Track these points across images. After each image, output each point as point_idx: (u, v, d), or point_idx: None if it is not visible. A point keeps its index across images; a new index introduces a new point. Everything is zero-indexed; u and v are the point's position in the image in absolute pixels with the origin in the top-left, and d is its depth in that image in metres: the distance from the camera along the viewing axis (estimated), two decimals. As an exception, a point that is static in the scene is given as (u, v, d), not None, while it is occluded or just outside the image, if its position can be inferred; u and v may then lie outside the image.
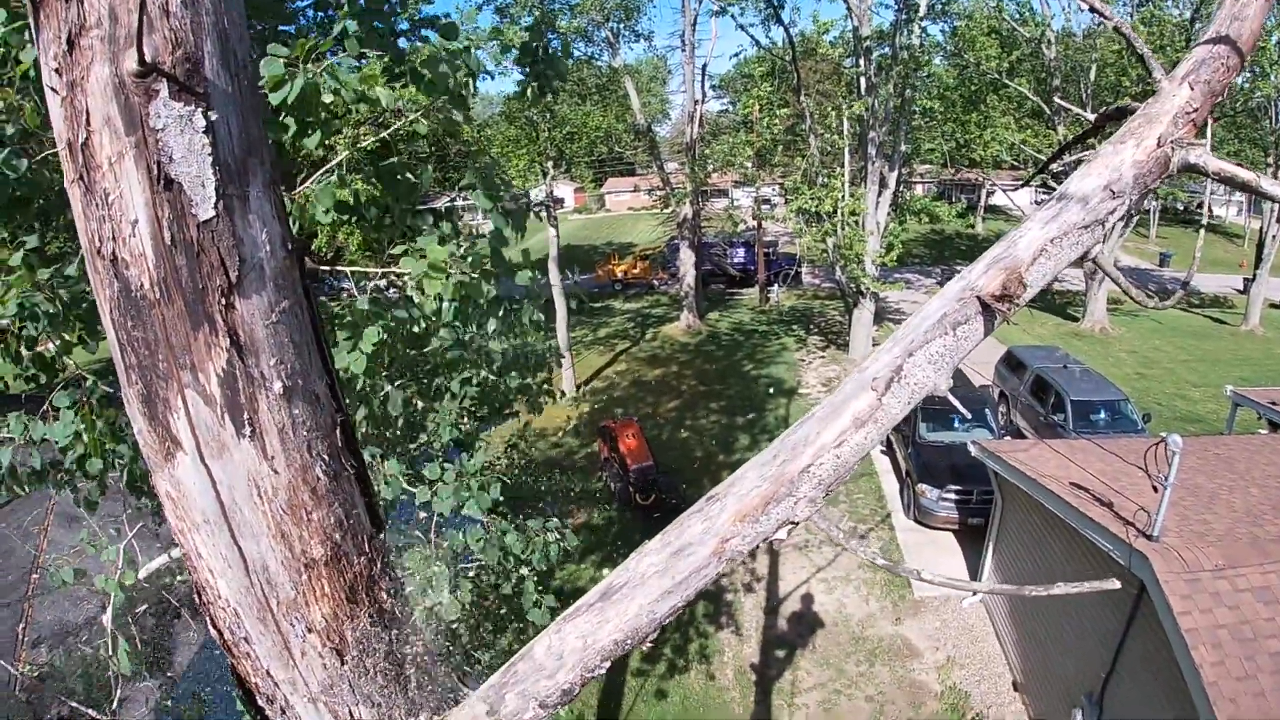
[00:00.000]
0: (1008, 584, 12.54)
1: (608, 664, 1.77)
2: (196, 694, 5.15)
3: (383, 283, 5.97)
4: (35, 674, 6.55)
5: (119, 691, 4.40)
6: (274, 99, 3.23)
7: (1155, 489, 7.83)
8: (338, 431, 1.65)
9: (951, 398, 1.97)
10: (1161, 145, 1.86)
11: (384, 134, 4.97)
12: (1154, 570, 7.38)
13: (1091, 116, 2.35)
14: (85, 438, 3.99)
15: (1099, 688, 9.05)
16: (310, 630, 1.62)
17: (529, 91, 4.64)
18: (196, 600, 1.69)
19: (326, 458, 1.60)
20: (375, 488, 4.76)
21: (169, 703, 6.53)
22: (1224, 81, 1.87)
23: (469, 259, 4.06)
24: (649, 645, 1.76)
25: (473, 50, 4.10)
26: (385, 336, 3.93)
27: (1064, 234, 1.86)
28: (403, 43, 4.64)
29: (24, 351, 3.90)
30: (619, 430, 18.67)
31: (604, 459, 19.46)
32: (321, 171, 4.12)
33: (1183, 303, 34.83)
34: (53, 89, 1.33)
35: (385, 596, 1.75)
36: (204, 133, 1.34)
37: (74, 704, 5.27)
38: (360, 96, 3.74)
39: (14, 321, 3.71)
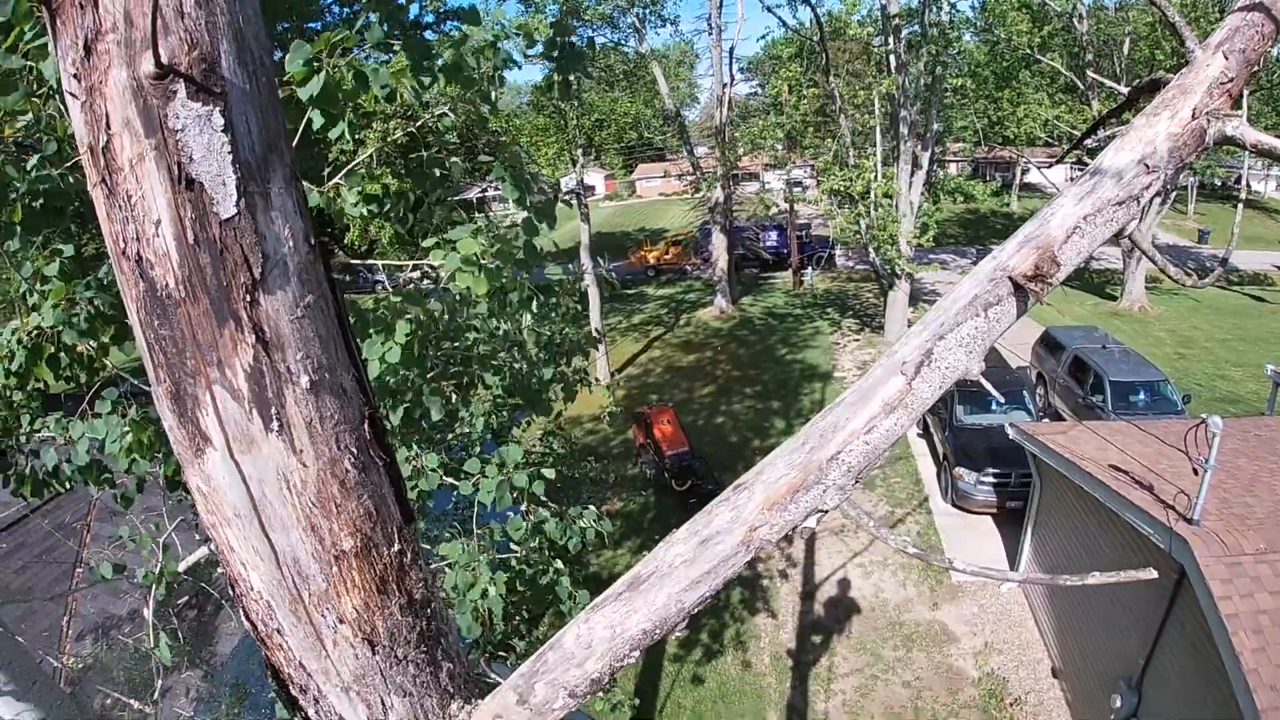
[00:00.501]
0: (1047, 569, 12.48)
1: (637, 653, 1.77)
2: (238, 683, 5.25)
3: (415, 274, 6.02)
4: (79, 666, 6.72)
5: (160, 682, 4.49)
6: (301, 94, 3.26)
7: (1195, 472, 7.71)
8: (366, 425, 1.66)
9: (984, 381, 1.94)
10: (1197, 117, 1.80)
11: (411, 127, 5.01)
12: (1194, 554, 7.29)
13: (1125, 90, 2.29)
14: (132, 439, 4.07)
15: (1138, 673, 8.94)
16: (342, 621, 1.64)
17: (554, 86, 4.64)
18: (230, 593, 1.72)
19: (355, 451, 1.61)
20: (414, 480, 4.83)
21: (210, 693, 6.66)
22: (1259, 50, 1.81)
23: (498, 249, 4.08)
24: (679, 634, 1.76)
25: (499, 43, 4.11)
26: (417, 329, 3.95)
27: (1098, 210, 1.81)
28: (430, 35, 4.65)
29: (63, 357, 3.98)
30: (654, 416, 18.72)
31: (639, 445, 19.53)
32: (351, 165, 4.15)
33: (1222, 281, 34.08)
34: (72, 94, 1.34)
35: (416, 586, 1.76)
36: (223, 131, 1.35)
37: (117, 695, 5.40)
38: (390, 91, 3.77)
39: (52, 330, 3.79)
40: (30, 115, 3.11)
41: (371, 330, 3.97)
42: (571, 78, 4.54)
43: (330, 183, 3.79)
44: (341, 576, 1.62)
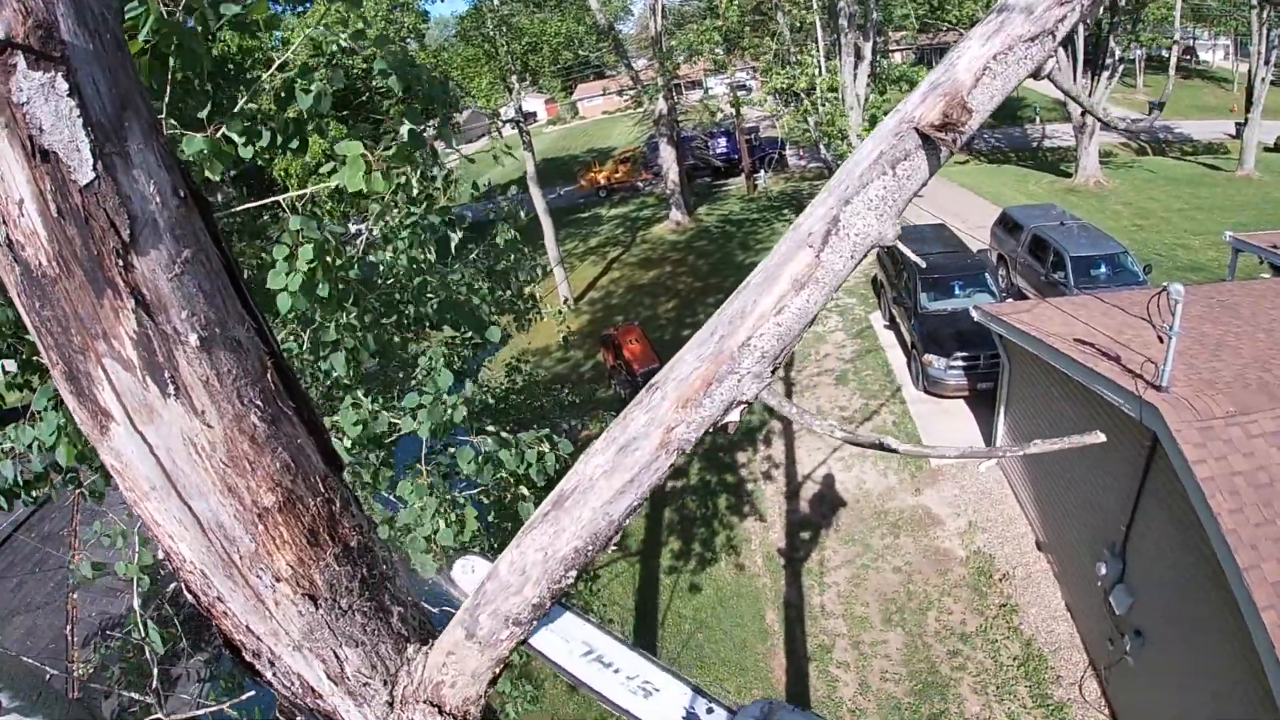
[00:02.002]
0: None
1: (574, 573, 1.77)
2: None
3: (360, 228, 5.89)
4: (89, 671, 6.74)
5: (156, 670, 4.51)
6: (140, 37, 3.09)
7: (1161, 339, 7.78)
8: (270, 375, 1.62)
9: (902, 245, 1.83)
10: None
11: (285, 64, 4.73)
12: (1165, 420, 7.39)
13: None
14: (66, 429, 4.00)
15: (1120, 540, 9.20)
16: (279, 579, 1.63)
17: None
18: (170, 567, 1.71)
19: (261, 404, 1.58)
20: (363, 425, 4.78)
21: (213, 673, 6.72)
22: None
23: (390, 151, 3.97)
24: (612, 549, 1.75)
25: None
26: (320, 255, 3.84)
27: (1008, 48, 1.69)
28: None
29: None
30: (621, 336, 18.76)
31: (610, 367, 19.62)
32: (242, 103, 4.02)
33: (1175, 151, 34.18)
34: (-90, 88, 1.27)
35: (351, 534, 1.75)
36: (69, 96, 1.28)
37: (121, 691, 5.43)
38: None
39: None
40: None
41: (275, 259, 3.86)
42: None
43: (211, 127, 3.64)
44: (269, 534, 1.60)
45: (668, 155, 31.86)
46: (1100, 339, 9.50)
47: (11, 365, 4.25)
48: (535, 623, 1.82)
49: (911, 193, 1.74)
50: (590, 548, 1.74)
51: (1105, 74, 28.51)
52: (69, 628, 8.65)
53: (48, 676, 5.50)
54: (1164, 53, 43.73)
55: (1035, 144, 38.70)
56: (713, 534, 14.29)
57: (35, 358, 4.27)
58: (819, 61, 24.14)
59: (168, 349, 1.44)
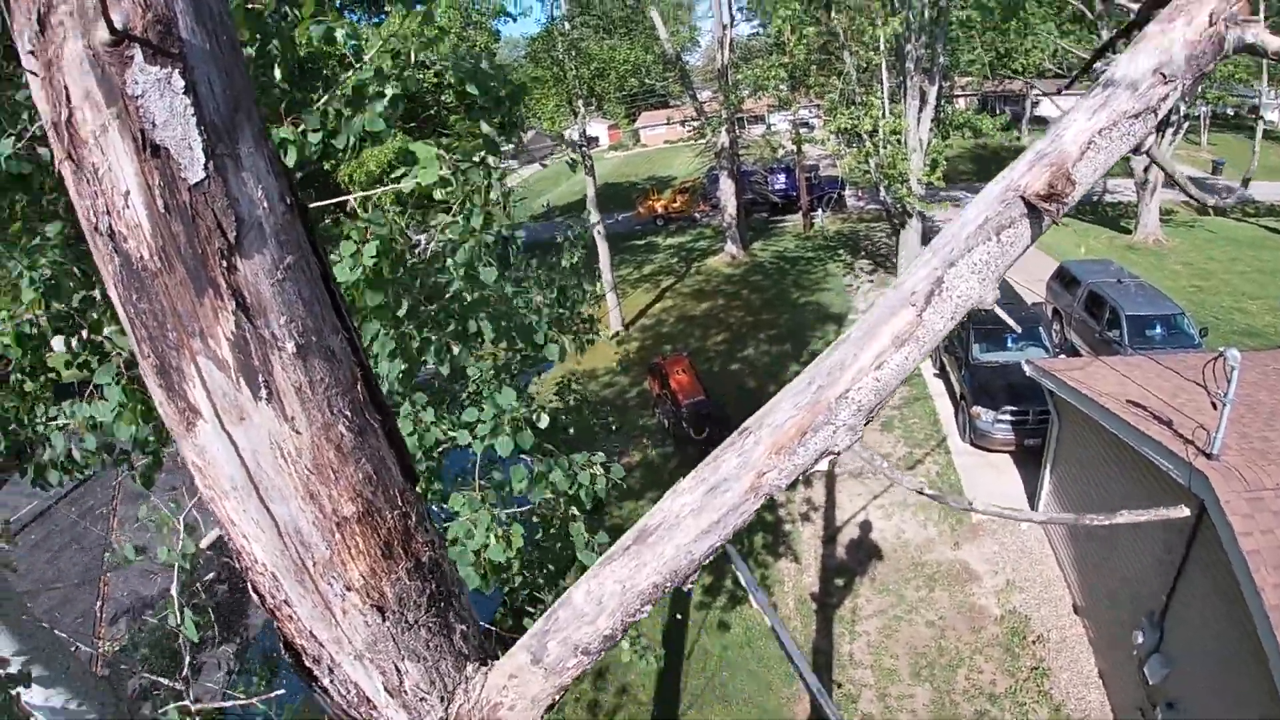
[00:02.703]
0: (1066, 507, 12.45)
1: (649, 607, 1.74)
2: (267, 655, 5.32)
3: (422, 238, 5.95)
4: (115, 649, 6.83)
5: (188, 659, 4.54)
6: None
7: (1214, 405, 7.62)
8: (359, 386, 1.62)
9: (1000, 311, 1.85)
10: (1214, 23, 1.69)
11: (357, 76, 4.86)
12: (1214, 489, 7.20)
13: (1135, 6, 2.17)
14: (127, 408, 4.06)
15: (1160, 610, 8.94)
16: (349, 588, 1.62)
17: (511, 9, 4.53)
18: (238, 565, 1.70)
19: (349, 414, 1.58)
20: (417, 436, 4.81)
21: (242, 666, 6.78)
22: None
23: (459, 154, 4.02)
24: (689, 586, 1.72)
25: None
26: (386, 251, 3.88)
27: (1113, 124, 1.71)
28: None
29: (50, 341, 3.97)
30: (669, 366, 18.73)
31: (656, 395, 19.58)
32: (321, 102, 4.11)
33: (1237, 212, 33.45)
34: (32, 72, 1.30)
35: (423, 549, 1.73)
36: (184, 93, 1.29)
37: (150, 676, 5.47)
38: (326, 30, 3.73)
39: (38, 308, 3.78)
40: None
41: (338, 254, 3.91)
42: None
43: (288, 119, 3.72)
44: (345, 543, 1.59)
45: (727, 188, 31.97)
46: (1153, 401, 9.30)
47: (59, 344, 4.32)
48: (603, 653, 1.78)
49: (1013, 259, 1.77)
50: (669, 583, 1.72)
51: (1170, 130, 28.03)
52: (99, 604, 8.78)
53: (74, 649, 5.57)
54: (1229, 110, 42.98)
55: (1096, 198, 38.18)
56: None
57: (94, 338, 4.34)
58: (883, 103, 24.06)
59: (264, 353, 1.43)
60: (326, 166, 4.44)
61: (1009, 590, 12.74)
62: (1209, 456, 7.59)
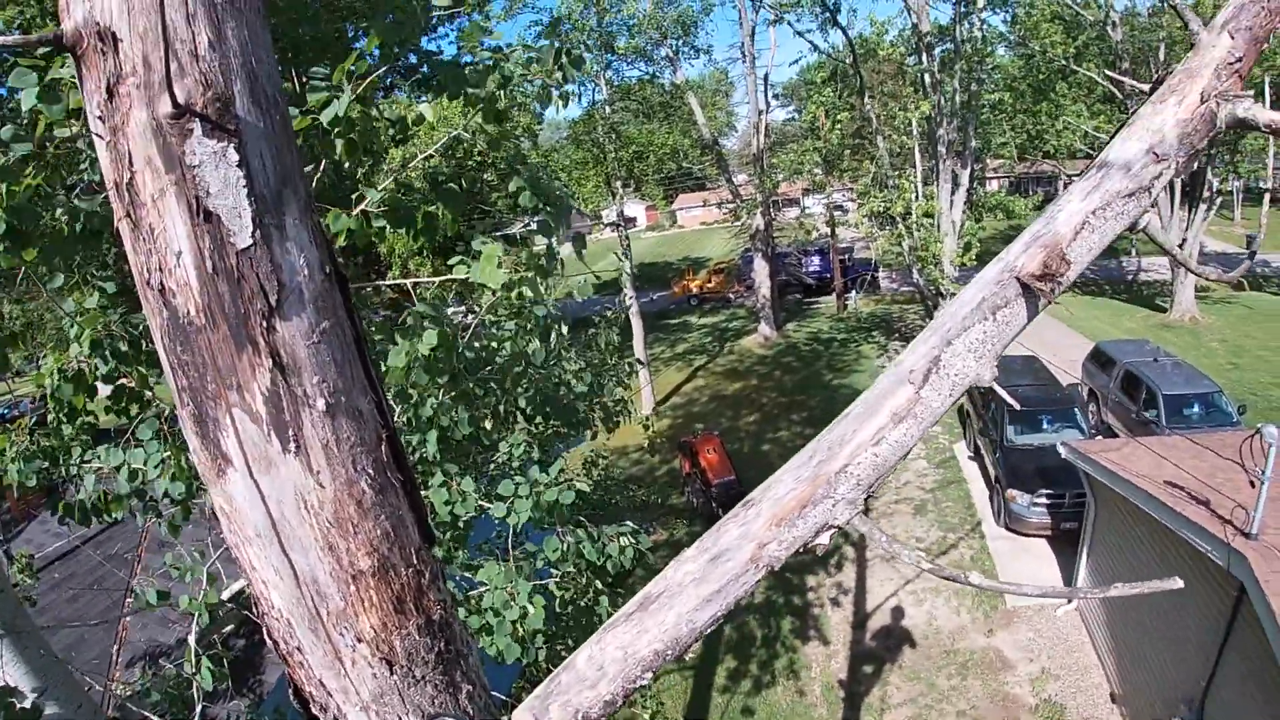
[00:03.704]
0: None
1: (650, 675, 1.76)
2: (279, 710, 5.32)
3: (461, 309, 6.13)
4: (128, 692, 6.86)
5: (200, 707, 4.57)
6: (324, 118, 3.37)
7: (1252, 484, 7.48)
8: (383, 447, 1.69)
9: (999, 389, 1.90)
10: (1205, 101, 1.76)
11: (433, 149, 5.13)
12: (1253, 570, 7.04)
13: (1147, 88, 2.26)
14: (173, 463, 4.19)
15: (1199, 695, 8.64)
16: (360, 640, 1.67)
17: (556, 101, 4.71)
18: (254, 611, 1.76)
19: (372, 472, 1.65)
20: (452, 505, 4.88)
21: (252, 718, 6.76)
22: (1267, 26, 1.75)
23: (524, 256, 4.15)
24: (690, 655, 1.74)
25: (502, 64, 4.18)
26: (443, 340, 4.01)
27: (1107, 204, 1.78)
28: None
29: (98, 385, 4.12)
30: (700, 445, 18.67)
31: (685, 474, 19.49)
32: (381, 189, 4.27)
33: (1273, 285, 33.04)
34: (98, 135, 1.42)
35: (435, 608, 1.78)
36: (238, 166, 1.42)
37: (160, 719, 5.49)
38: (402, 121, 3.91)
39: (89, 359, 3.95)
40: (71, 128, 3.26)
41: (397, 340, 4.03)
42: (572, 88, 4.61)
43: (358, 209, 3.89)
44: (359, 596, 1.65)
45: (761, 270, 32.29)
46: (1190, 482, 9.13)
47: (105, 389, 4.45)
48: (605, 719, 1.81)
49: (1010, 338, 1.82)
50: (670, 652, 1.75)
51: (1203, 206, 27.94)
52: (116, 647, 8.81)
53: (88, 689, 5.61)
54: (1262, 184, 42.69)
55: (1130, 277, 37.92)
56: (773, 656, 13.82)
57: (135, 388, 4.47)
58: (916, 186, 24.33)
59: (295, 409, 1.52)
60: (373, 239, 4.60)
61: (1044, 678, 12.34)
62: (1248, 536, 7.46)
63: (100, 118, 1.41)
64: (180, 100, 1.35)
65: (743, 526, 1.78)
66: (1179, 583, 1.72)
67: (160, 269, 1.44)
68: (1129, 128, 1.83)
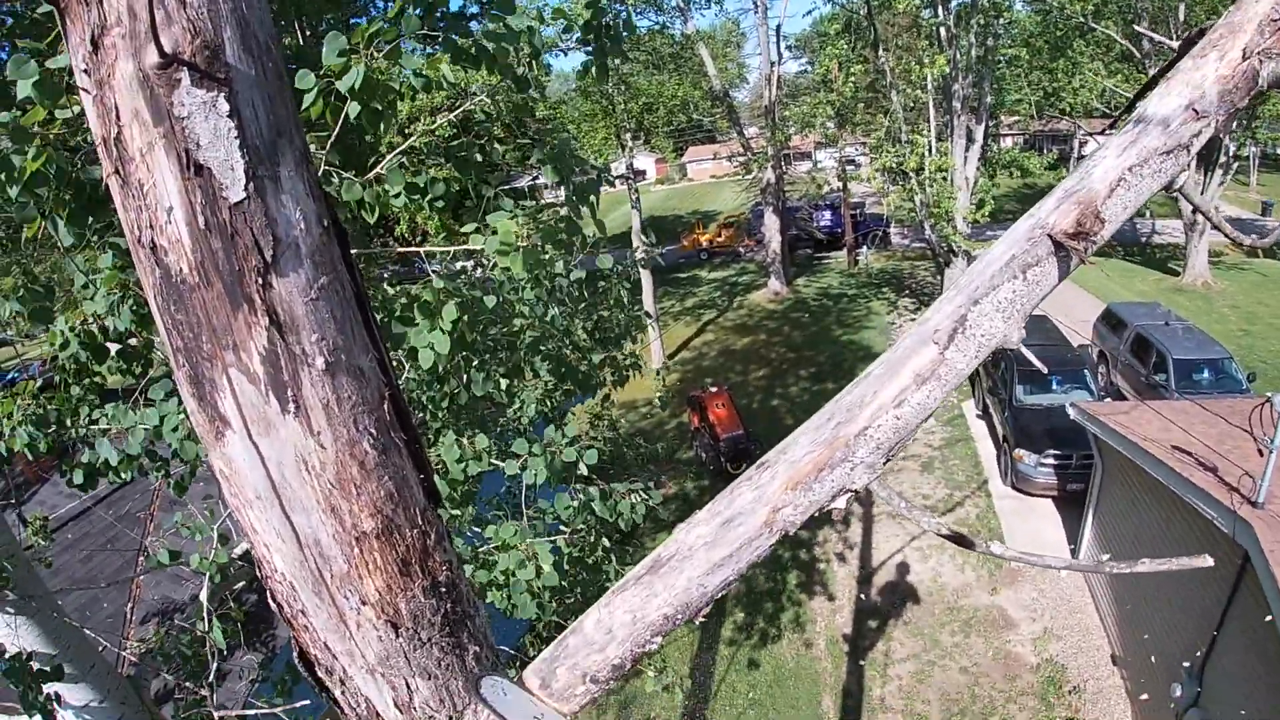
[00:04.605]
0: (1109, 553, 12.13)
1: (659, 639, 1.73)
2: (290, 664, 5.38)
3: (469, 264, 6.07)
4: (141, 650, 6.95)
5: (215, 665, 4.61)
6: (340, 86, 3.28)
7: (1260, 452, 7.43)
8: (386, 405, 1.65)
9: (1026, 351, 1.83)
10: (1248, 57, 1.67)
11: (451, 115, 5.03)
12: (1258, 538, 7.02)
13: (1176, 45, 2.16)
14: (187, 423, 4.17)
15: (1199, 662, 8.67)
16: (364, 603, 1.64)
17: (592, 70, 4.62)
18: (258, 574, 1.74)
19: (374, 432, 1.61)
20: (464, 462, 4.87)
21: (265, 675, 6.86)
22: None
23: (542, 231, 4.07)
24: (701, 619, 1.71)
25: (537, 28, 4.07)
26: (463, 315, 3.96)
27: (1143, 161, 1.70)
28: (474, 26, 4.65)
29: (112, 347, 4.09)
30: (709, 400, 18.66)
31: (694, 429, 19.52)
32: (395, 154, 4.17)
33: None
34: (84, 89, 1.36)
35: (440, 569, 1.75)
36: (228, 116, 1.35)
37: (174, 678, 5.56)
38: (426, 80, 3.78)
39: (107, 318, 3.91)
40: (72, 110, 3.18)
41: (418, 318, 3.98)
42: (609, 61, 4.51)
43: (371, 173, 3.81)
44: (363, 558, 1.62)
45: (771, 224, 32.03)
46: (1198, 447, 9.09)
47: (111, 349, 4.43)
48: (611, 682, 1.78)
49: (1040, 298, 1.76)
50: (679, 616, 1.71)
51: (1219, 171, 27.51)
52: (129, 606, 8.91)
53: (100, 649, 5.68)
54: (1278, 150, 42.01)
55: (1144, 239, 37.52)
56: (779, 609, 13.95)
57: (139, 348, 4.44)
58: (930, 142, 23.99)
59: (294, 368, 1.47)
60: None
61: (1046, 638, 12.42)
62: (1254, 504, 7.43)
63: (86, 71, 1.34)
64: (167, 49, 1.27)
65: (757, 490, 1.74)
66: (1209, 560, 1.69)
67: (151, 226, 1.38)
68: (1168, 83, 1.74)
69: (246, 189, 1.38)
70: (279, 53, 1.52)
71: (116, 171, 1.39)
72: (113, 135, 1.36)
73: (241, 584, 8.25)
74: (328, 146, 3.50)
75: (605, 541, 5.27)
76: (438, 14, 4.00)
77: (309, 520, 1.57)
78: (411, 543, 1.68)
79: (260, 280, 1.42)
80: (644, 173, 73.05)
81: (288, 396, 1.49)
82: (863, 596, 14.07)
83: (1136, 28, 26.62)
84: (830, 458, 1.70)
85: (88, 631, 5.52)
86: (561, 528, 5.35)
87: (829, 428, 1.73)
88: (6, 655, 4.71)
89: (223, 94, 1.34)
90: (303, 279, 1.47)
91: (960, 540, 1.73)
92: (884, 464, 1.71)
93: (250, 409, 1.48)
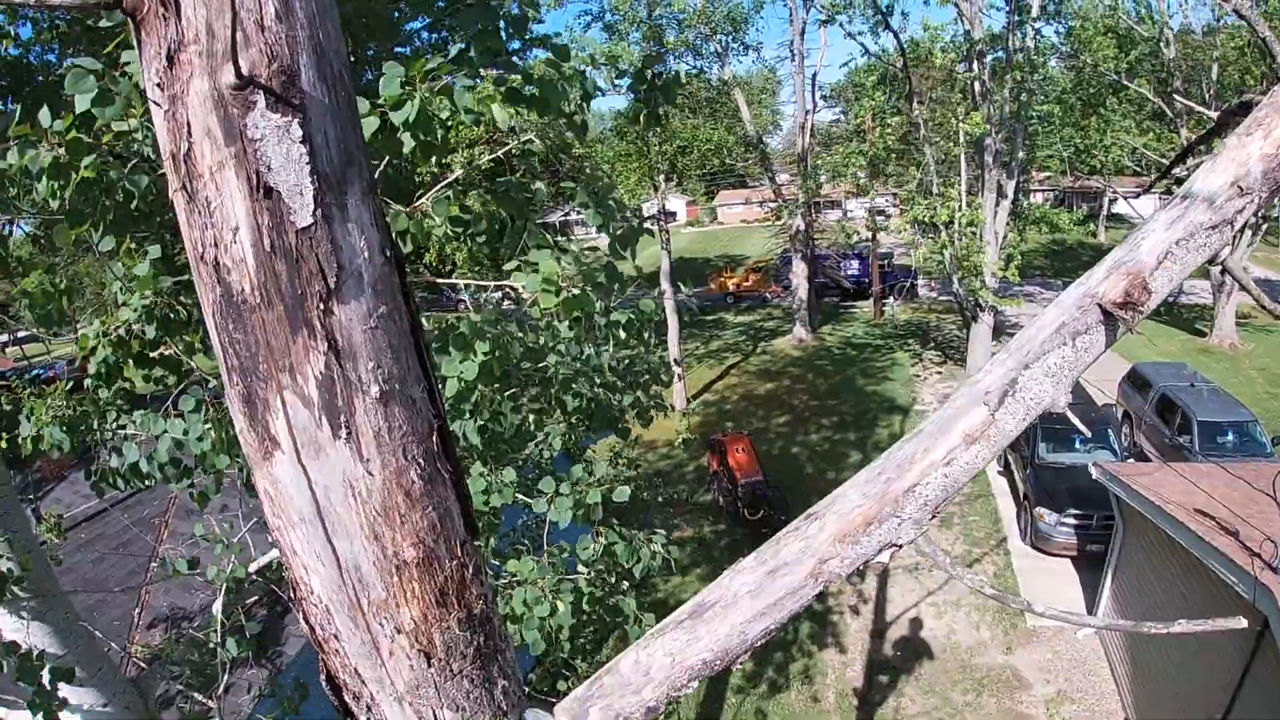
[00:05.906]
0: (1127, 616, 11.89)
1: (695, 684, 1.72)
2: (298, 681, 5.36)
3: (497, 295, 6.13)
4: (146, 656, 6.94)
5: (225, 677, 4.59)
6: (395, 119, 3.33)
7: (1283, 518, 7.35)
8: (434, 436, 1.65)
9: (1071, 415, 1.85)
10: None
11: (499, 152, 5.11)
12: (1278, 604, 6.92)
13: (1214, 115, 2.17)
14: (214, 435, 4.20)
15: (1216, 727, 8.49)
16: (399, 631, 1.64)
17: (640, 117, 4.68)
18: (290, 595, 1.74)
19: (422, 462, 1.61)
20: (488, 495, 4.87)
21: (273, 690, 6.82)
22: None
23: (583, 271, 4.11)
24: (744, 665, 1.70)
25: (588, 73, 4.14)
26: (496, 350, 3.98)
27: (1190, 235, 1.74)
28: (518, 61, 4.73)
29: (148, 354, 4.13)
30: (729, 444, 18.57)
31: (713, 472, 19.40)
32: (440, 186, 4.22)
33: (1315, 318, 32.20)
34: (155, 103, 1.38)
35: (476, 602, 1.75)
36: (301, 142, 1.37)
37: (180, 685, 5.54)
38: (477, 117, 3.84)
39: (138, 324, 3.96)
40: (129, 124, 3.24)
41: (451, 349, 4.01)
42: (658, 106, 4.56)
43: (416, 204, 3.86)
44: (402, 587, 1.61)
45: (799, 271, 32.09)
46: (1220, 511, 8.96)
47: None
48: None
49: (1087, 364, 1.79)
50: (719, 662, 1.70)
51: (1248, 232, 27.33)
52: (138, 610, 8.90)
53: (107, 650, 5.68)
54: None
55: (1172, 299, 37.24)
56: (789, 659, 13.75)
57: (174, 356, 4.48)
58: (961, 195, 24.02)
59: (349, 395, 1.48)
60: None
61: (1060, 700, 12.16)
62: (1275, 570, 7.36)
63: (159, 85, 1.36)
64: (244, 71, 1.30)
65: (804, 541, 1.74)
66: (1243, 622, 1.67)
67: (215, 244, 1.40)
68: (1214, 160, 1.79)
69: (314, 215, 1.40)
70: (351, 82, 1.55)
71: (184, 187, 1.40)
72: (183, 151, 1.37)
73: (254, 599, 8.25)
74: (377, 176, 3.55)
75: (624, 585, 5.24)
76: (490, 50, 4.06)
77: (351, 546, 1.57)
78: (450, 574, 1.68)
79: (322, 306, 1.43)
80: (674, 214, 73.47)
81: (340, 422, 1.49)
82: (875, 650, 13.85)
83: (1173, 94, 26.64)
84: (879, 512, 1.70)
85: (97, 633, 5.53)
86: (581, 568, 5.33)
87: (879, 482, 1.73)
88: (19, 653, 4.71)
89: (296, 119, 1.36)
90: (363, 307, 1.48)
91: (1002, 600, 1.71)
92: (930, 520, 1.70)
93: (301, 432, 1.49)
